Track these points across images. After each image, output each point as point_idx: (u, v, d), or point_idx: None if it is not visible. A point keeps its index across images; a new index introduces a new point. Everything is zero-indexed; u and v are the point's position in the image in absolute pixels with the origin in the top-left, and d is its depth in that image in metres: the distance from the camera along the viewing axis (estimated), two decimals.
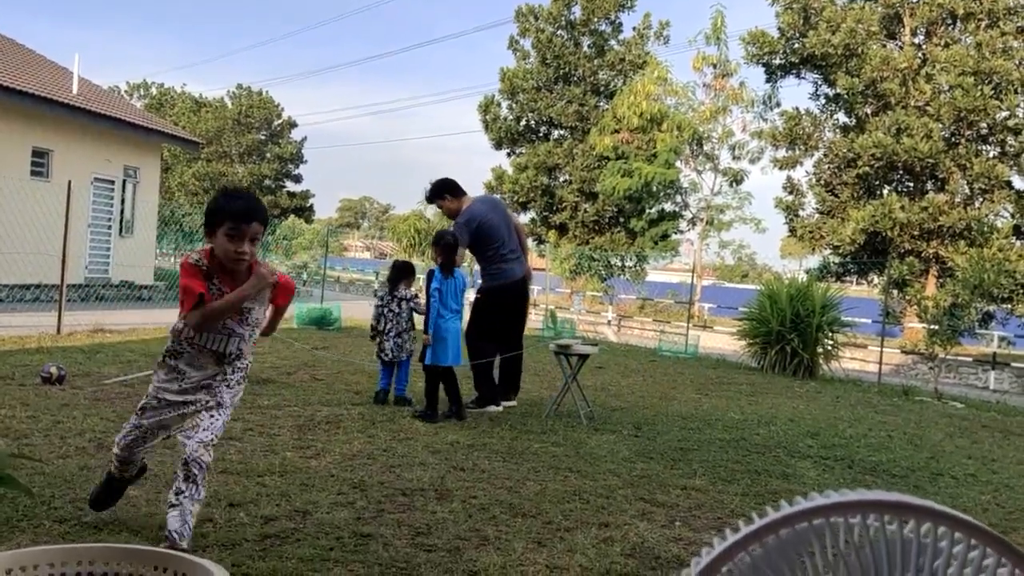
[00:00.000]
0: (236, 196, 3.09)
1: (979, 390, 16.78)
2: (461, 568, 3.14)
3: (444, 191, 6.94)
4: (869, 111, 26.01)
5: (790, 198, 28.07)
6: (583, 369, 7.03)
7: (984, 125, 24.11)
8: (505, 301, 6.97)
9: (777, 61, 27.74)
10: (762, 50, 27.40)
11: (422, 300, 6.66)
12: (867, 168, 24.69)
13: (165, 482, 3.94)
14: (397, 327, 6.75)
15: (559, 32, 32.96)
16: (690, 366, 12.60)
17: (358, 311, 16.19)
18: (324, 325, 13.58)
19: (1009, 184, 24.44)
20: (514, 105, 34.07)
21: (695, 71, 30.48)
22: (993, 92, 23.04)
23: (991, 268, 14.10)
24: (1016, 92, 23.15)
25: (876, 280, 27.28)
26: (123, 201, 17.79)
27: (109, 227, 17.43)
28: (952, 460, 6.32)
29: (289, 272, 36.17)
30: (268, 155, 49.03)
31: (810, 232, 26.70)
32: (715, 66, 29.80)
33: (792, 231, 28.11)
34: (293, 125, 50.49)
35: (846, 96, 25.92)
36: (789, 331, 12.43)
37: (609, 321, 26.43)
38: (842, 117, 27.72)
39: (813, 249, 27.68)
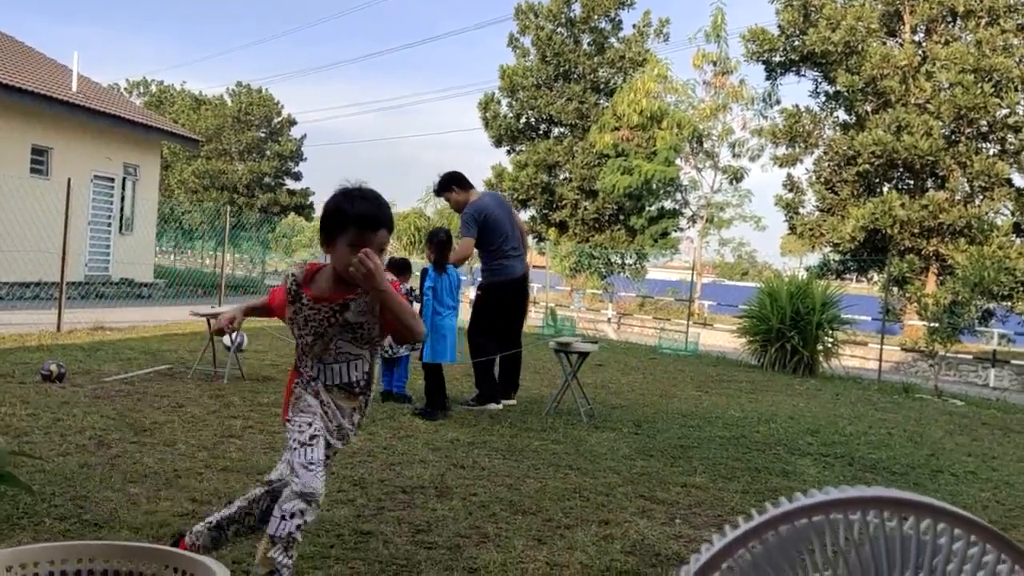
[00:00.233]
0: (360, 197, 2.53)
1: (979, 388, 16.78)
2: (461, 565, 3.14)
3: (452, 183, 7.01)
4: (869, 109, 25.99)
5: (790, 196, 28.05)
6: (583, 367, 7.04)
7: (984, 123, 24.09)
8: (505, 297, 6.98)
9: (777, 58, 27.70)
10: (762, 47, 27.37)
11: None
12: (867, 166, 24.67)
13: (165, 480, 3.94)
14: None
15: (559, 29, 32.91)
16: (690, 364, 12.60)
17: None
18: None
19: (1009, 182, 24.42)
20: (514, 102, 34.03)
21: (695, 68, 30.46)
22: (993, 90, 23.01)
23: (991, 266, 14.11)
24: (1016, 90, 23.13)
25: (876, 278, 27.27)
26: (123, 199, 17.79)
27: (109, 225, 17.42)
28: (952, 457, 6.32)
29: (289, 270, 36.17)
30: (268, 153, 48.97)
31: (810, 230, 26.69)
32: (715, 63, 29.78)
33: (792, 229, 28.10)
34: (293, 123, 50.42)
35: (846, 93, 25.90)
36: (789, 329, 12.43)
37: (609, 319, 26.43)
38: (842, 115, 27.70)
39: (813, 247, 27.67)
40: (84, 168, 15.99)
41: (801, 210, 27.88)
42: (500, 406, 6.73)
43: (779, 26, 27.13)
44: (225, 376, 7.06)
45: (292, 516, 2.41)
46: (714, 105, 30.08)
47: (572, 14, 32.75)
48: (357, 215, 2.46)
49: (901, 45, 25.50)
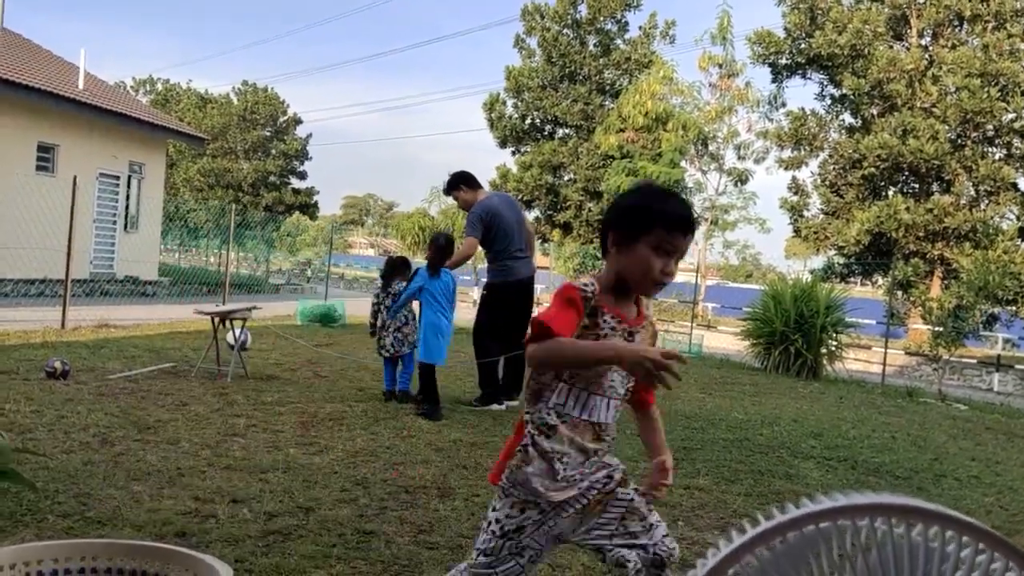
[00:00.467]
0: (669, 195, 2.19)
1: (983, 392, 16.74)
2: None
3: (461, 182, 7.05)
4: (875, 112, 25.96)
5: (795, 198, 28.03)
6: None
7: (990, 127, 24.06)
8: (509, 298, 6.98)
9: (783, 61, 27.70)
10: (768, 50, 27.36)
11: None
12: (872, 169, 24.64)
13: (168, 477, 3.95)
14: (397, 321, 6.77)
15: (565, 31, 32.91)
16: (694, 366, 12.59)
17: (362, 308, 16.19)
18: (328, 322, 13.60)
19: (1015, 186, 24.38)
20: (519, 103, 34.04)
21: (701, 71, 30.39)
22: (1000, 94, 22.98)
23: (996, 270, 14.09)
24: (1023, 94, 23.08)
25: (881, 281, 27.23)
26: (128, 197, 17.82)
27: (114, 222, 17.45)
28: (955, 462, 6.30)
29: (293, 269, 36.28)
30: (273, 152, 49.02)
31: (815, 233, 26.67)
32: (721, 66, 29.73)
33: (797, 231, 28.08)
34: (298, 122, 50.49)
35: (852, 97, 25.88)
36: (793, 332, 12.41)
37: None
38: (848, 118, 27.68)
39: (818, 250, 27.65)
40: (90, 166, 16.02)
41: (806, 213, 27.86)
42: (503, 407, 6.73)
43: (785, 29, 27.12)
44: (229, 374, 7.06)
45: None
46: (720, 107, 30.04)
47: (578, 15, 32.75)
48: (671, 215, 2.07)
49: (908, 49, 25.47)
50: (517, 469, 2.03)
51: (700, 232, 31.81)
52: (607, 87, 33.46)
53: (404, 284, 6.85)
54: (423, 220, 33.83)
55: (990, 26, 24.07)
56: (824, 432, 7.08)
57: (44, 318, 10.29)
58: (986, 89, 22.84)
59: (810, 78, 28.01)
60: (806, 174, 28.05)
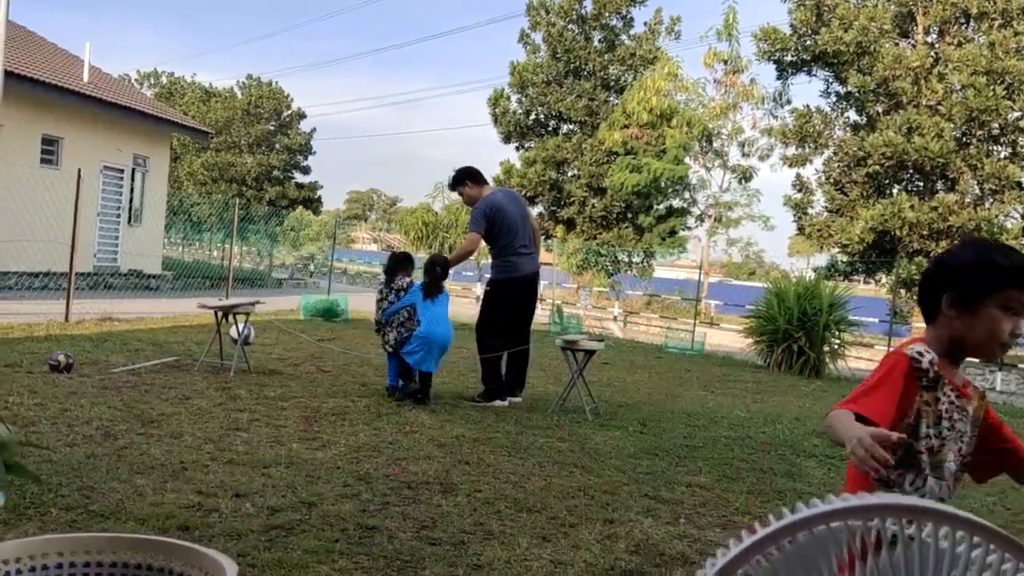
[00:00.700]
0: (1009, 248, 1.96)
1: (986, 391, 16.70)
2: (465, 562, 3.14)
3: (466, 178, 7.06)
4: (880, 110, 25.89)
5: (799, 196, 27.96)
6: (589, 365, 7.03)
7: (996, 125, 23.97)
8: (511, 294, 6.98)
9: (789, 58, 27.61)
10: (774, 47, 27.28)
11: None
12: (877, 167, 24.57)
13: (172, 471, 3.95)
14: (399, 316, 6.77)
15: (570, 26, 32.85)
16: (696, 363, 12.58)
17: (364, 303, 16.21)
18: (331, 317, 13.61)
19: (1020, 185, 24.30)
20: (523, 99, 33.99)
21: (706, 67, 30.38)
22: (1006, 92, 22.90)
23: None
24: None
25: (884, 279, 27.18)
26: (132, 190, 17.83)
27: (118, 216, 17.47)
28: None
29: (296, 263, 36.30)
30: (277, 146, 49.03)
31: (818, 230, 26.61)
32: (726, 62, 29.70)
33: (800, 229, 28.01)
34: (302, 116, 50.48)
35: (857, 94, 25.80)
36: (796, 329, 12.39)
37: (615, 317, 26.40)
38: (853, 115, 27.59)
39: (821, 247, 27.58)
40: (94, 159, 16.03)
41: (810, 210, 27.80)
42: (506, 403, 6.73)
43: (791, 25, 27.03)
44: (232, 369, 7.07)
45: None
46: (724, 104, 30.01)
47: (583, 11, 32.68)
48: (1021, 271, 1.82)
49: (914, 46, 25.39)
50: None
51: (703, 229, 31.80)
52: (612, 83, 33.41)
53: (407, 280, 6.85)
54: (427, 215, 33.85)
55: (997, 24, 23.97)
56: None
57: (48, 311, 10.31)
58: (992, 87, 22.76)
59: (815, 75, 27.92)
60: (810, 171, 27.98)
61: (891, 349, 2.02)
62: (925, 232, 24.05)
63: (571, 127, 33.74)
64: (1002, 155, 24.57)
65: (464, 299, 25.85)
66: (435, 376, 6.81)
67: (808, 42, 26.66)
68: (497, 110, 34.27)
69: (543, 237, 32.75)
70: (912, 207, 23.82)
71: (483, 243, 7.18)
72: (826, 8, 26.00)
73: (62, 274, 11.77)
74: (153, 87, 52.47)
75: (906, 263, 22.86)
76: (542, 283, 11.23)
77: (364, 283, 32.95)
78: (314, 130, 51.77)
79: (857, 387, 1.80)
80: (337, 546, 3.17)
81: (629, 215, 31.69)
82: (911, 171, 25.15)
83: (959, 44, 24.55)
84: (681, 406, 7.72)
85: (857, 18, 24.83)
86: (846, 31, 24.89)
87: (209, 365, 7.28)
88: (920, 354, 1.82)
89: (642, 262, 31.37)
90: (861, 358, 17.01)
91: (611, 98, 33.02)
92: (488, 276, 7.42)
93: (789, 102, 28.83)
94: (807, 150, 27.42)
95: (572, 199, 32.43)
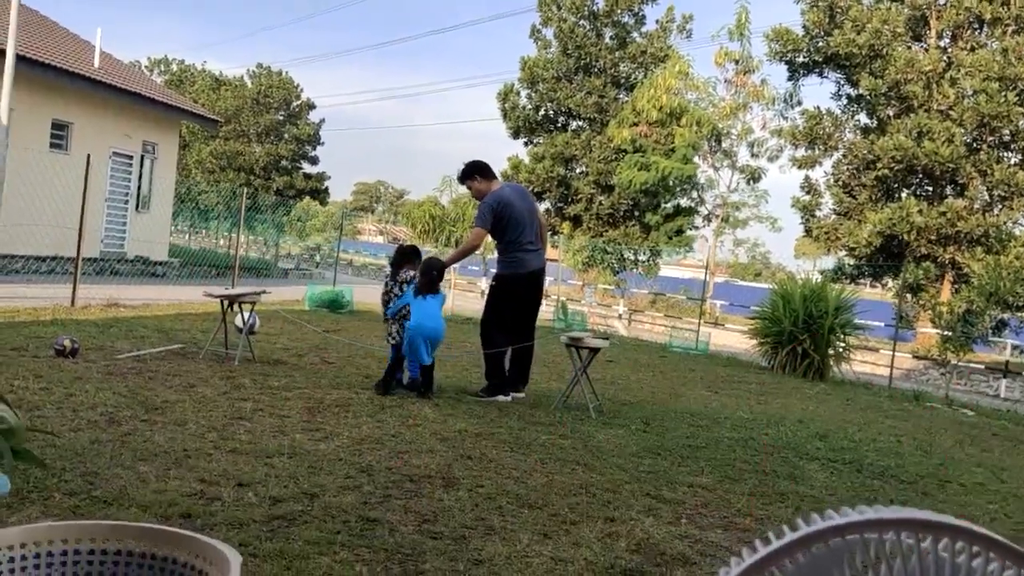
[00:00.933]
0: None
1: (990, 398, 16.67)
2: (466, 557, 3.15)
3: (475, 172, 7.05)
4: (891, 113, 25.81)
5: (807, 198, 27.91)
6: (593, 362, 7.03)
7: (1007, 132, 23.88)
8: (517, 290, 6.98)
9: (800, 59, 27.53)
10: (786, 47, 27.20)
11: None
12: (886, 170, 24.51)
13: (175, 459, 3.96)
14: (404, 311, 6.78)
15: (581, 22, 32.79)
16: (700, 363, 12.57)
17: (370, 295, 16.23)
18: (336, 308, 13.62)
19: None
20: (533, 94, 33.96)
21: (717, 66, 30.31)
22: (1017, 99, 22.81)
23: (1008, 276, 13.99)
24: None
25: (891, 284, 27.12)
26: (140, 177, 17.86)
27: (126, 202, 17.51)
28: (961, 468, 6.28)
29: (302, 254, 36.34)
30: (286, 136, 49.06)
31: (826, 233, 26.56)
32: (737, 62, 29.61)
33: (808, 231, 27.97)
34: (311, 107, 50.50)
35: (868, 97, 25.72)
36: (801, 332, 12.38)
37: (620, 315, 26.39)
38: (863, 118, 27.52)
39: (828, 250, 27.54)
40: (103, 145, 16.06)
41: (818, 213, 27.75)
42: (509, 398, 6.73)
43: (804, 26, 26.96)
44: (237, 358, 7.09)
45: None
46: (734, 104, 29.93)
47: (595, 7, 32.62)
48: None
49: (926, 50, 25.28)
50: None
51: (710, 229, 31.74)
52: (622, 80, 33.35)
53: (412, 273, 6.86)
54: (434, 209, 33.80)
55: (1010, 30, 23.87)
56: (830, 434, 7.07)
57: (54, 295, 10.34)
58: (1004, 93, 22.67)
59: (827, 77, 27.86)
60: (819, 174, 27.92)
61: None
62: (933, 237, 23.99)
63: (580, 124, 33.70)
64: (1012, 161, 24.49)
65: (470, 294, 25.85)
66: (438, 370, 6.82)
67: (820, 44, 26.58)
68: (506, 105, 34.24)
69: (550, 233, 32.79)
70: (920, 212, 23.75)
71: (490, 238, 7.18)
72: (839, 10, 25.91)
73: (69, 259, 11.80)
74: (163, 74, 52.53)
75: (913, 268, 22.80)
76: (547, 279, 11.24)
77: (370, 275, 32.98)
78: (323, 121, 51.83)
79: None
80: (338, 537, 3.18)
81: (636, 213, 31.66)
82: (920, 175, 25.07)
83: (972, 49, 24.44)
84: (684, 406, 7.72)
85: (870, 21, 24.73)
86: (859, 33, 24.81)
87: (214, 353, 7.29)
88: None
89: (648, 260, 31.35)
90: (866, 362, 16.98)
91: (621, 95, 32.97)
92: (494, 271, 7.42)
93: (800, 103, 28.80)
94: (816, 152, 27.36)
95: (580, 196, 32.41)
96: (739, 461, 5.45)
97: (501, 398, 6.68)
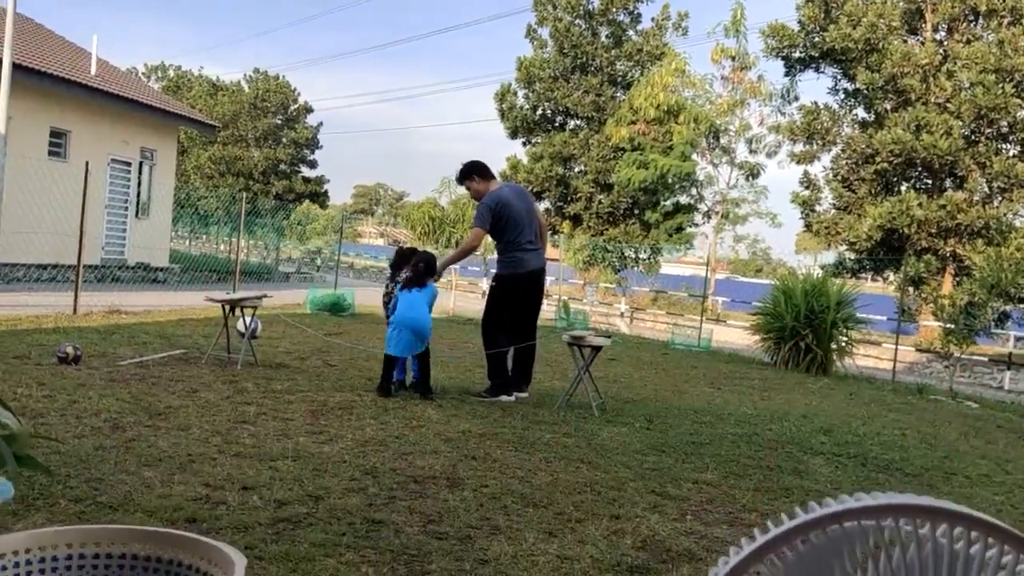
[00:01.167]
0: None
1: (994, 390, 16.67)
2: (472, 557, 3.14)
3: (473, 172, 7.04)
4: (889, 107, 25.79)
5: (806, 193, 27.90)
6: (595, 361, 7.02)
7: (1005, 123, 23.87)
8: (517, 290, 6.97)
9: (797, 54, 27.53)
10: (782, 43, 27.20)
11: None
12: (885, 164, 24.50)
13: (179, 464, 3.96)
14: None
15: (577, 21, 32.79)
16: (703, 360, 12.56)
17: (371, 297, 16.22)
18: (337, 311, 13.62)
19: None
20: (530, 94, 33.95)
21: (713, 63, 30.30)
22: (1014, 90, 22.80)
23: (1009, 267, 13.98)
24: None
25: (892, 277, 27.11)
26: (139, 183, 17.87)
27: (125, 209, 17.51)
28: (966, 460, 6.28)
29: (303, 257, 36.33)
30: (284, 140, 49.08)
31: (826, 228, 26.55)
32: (734, 59, 29.61)
33: (808, 226, 27.96)
34: (309, 110, 50.51)
35: (866, 91, 25.71)
36: (803, 327, 12.37)
37: (622, 313, 26.38)
38: (861, 112, 27.51)
39: (829, 245, 27.53)
40: (101, 152, 16.07)
41: (817, 207, 27.74)
42: (512, 398, 6.73)
43: (799, 22, 26.95)
44: (239, 362, 7.08)
45: None
46: (732, 100, 29.92)
47: (591, 6, 32.61)
48: None
49: (922, 43, 25.28)
50: None
51: (710, 225, 31.73)
52: (619, 79, 33.34)
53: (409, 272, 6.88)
54: (433, 210, 33.80)
55: (1006, 21, 23.86)
56: (833, 428, 7.06)
57: (56, 303, 10.34)
58: (1001, 85, 22.66)
59: (824, 72, 27.84)
60: (818, 169, 28.00)
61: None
62: (933, 230, 23.98)
63: (578, 123, 33.69)
64: (1011, 153, 24.48)
65: (471, 294, 25.85)
66: (442, 371, 6.82)
67: (816, 39, 26.57)
68: (504, 105, 34.23)
69: (550, 233, 32.79)
70: (920, 205, 23.74)
71: (489, 238, 7.17)
72: (835, 5, 25.90)
73: (70, 266, 11.80)
74: (160, 80, 52.54)
75: (914, 261, 22.79)
76: (548, 279, 11.23)
77: (371, 277, 32.97)
78: (321, 124, 51.84)
79: None
80: (344, 539, 3.17)
81: (636, 211, 31.65)
82: (919, 169, 25.07)
83: (968, 41, 24.44)
84: (688, 403, 7.71)
85: (866, 15, 24.73)
86: (855, 28, 24.80)
87: (216, 358, 7.29)
88: None
89: (649, 258, 31.34)
90: (869, 356, 16.97)
91: (618, 94, 32.96)
92: (494, 271, 7.41)
93: (797, 99, 28.79)
94: (815, 147, 27.35)
95: (579, 195, 32.40)
96: (743, 457, 5.44)
97: (504, 398, 6.68)
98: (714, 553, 3.46)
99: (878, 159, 24.48)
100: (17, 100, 14.25)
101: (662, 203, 30.91)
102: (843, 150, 26.62)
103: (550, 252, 31.13)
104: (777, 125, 28.68)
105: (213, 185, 44.15)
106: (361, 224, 75.34)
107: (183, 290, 15.46)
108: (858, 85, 25.83)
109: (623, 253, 30.96)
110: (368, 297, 15.39)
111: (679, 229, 31.17)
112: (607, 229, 31.98)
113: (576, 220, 32.90)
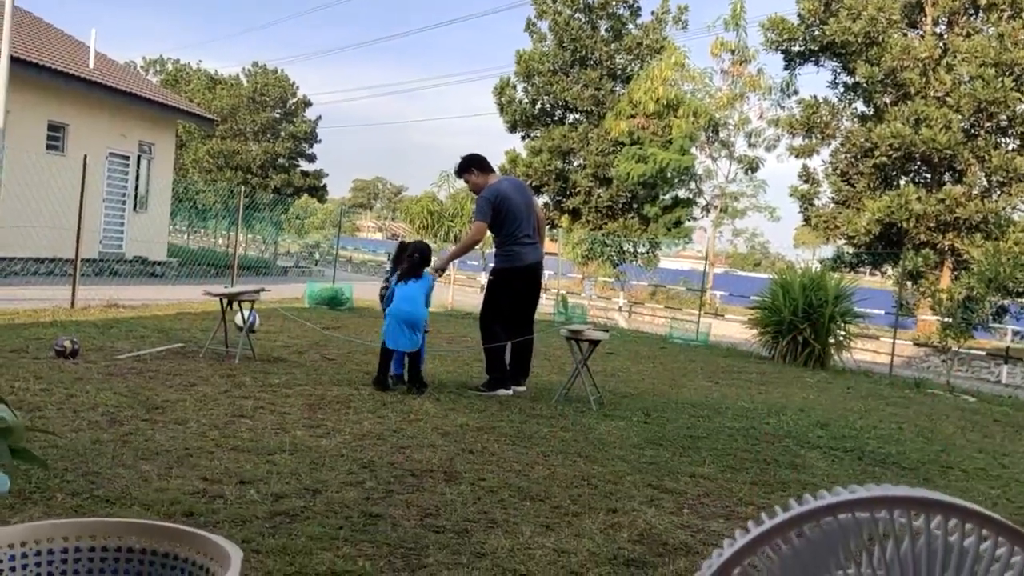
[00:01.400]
0: None
1: (991, 384, 16.69)
2: (469, 550, 3.15)
3: (472, 165, 7.03)
4: (888, 101, 25.77)
5: (805, 187, 27.89)
6: (593, 355, 7.03)
7: (1004, 117, 23.86)
8: (514, 284, 6.97)
9: (796, 48, 27.50)
10: (781, 36, 27.16)
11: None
12: (884, 158, 24.49)
13: (176, 457, 3.97)
14: None
15: (577, 15, 32.74)
16: (701, 354, 12.57)
17: (369, 291, 16.22)
18: (335, 305, 13.62)
19: None
20: (530, 88, 33.92)
21: (713, 57, 30.28)
22: (1014, 84, 22.78)
23: (1007, 262, 13.98)
24: None
25: (890, 271, 27.12)
26: (138, 177, 17.84)
27: (123, 202, 17.49)
28: (962, 454, 6.29)
29: (301, 251, 36.31)
30: (282, 133, 49.02)
31: (825, 222, 26.55)
32: (733, 52, 29.59)
33: (807, 220, 27.96)
34: (308, 104, 50.46)
35: (865, 85, 25.69)
36: (801, 321, 12.37)
37: (620, 307, 26.39)
38: (860, 106, 27.49)
39: (827, 239, 27.53)
40: (99, 145, 16.04)
41: (816, 201, 27.74)
42: (510, 392, 6.73)
43: (799, 15, 26.91)
44: (237, 356, 7.09)
45: None
46: (731, 94, 29.90)
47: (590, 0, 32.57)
48: None
49: (922, 37, 25.24)
50: None
51: (709, 219, 31.73)
52: (618, 72, 33.31)
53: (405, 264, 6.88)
54: (432, 204, 33.79)
55: (1006, 15, 23.83)
56: (831, 422, 7.07)
57: (54, 297, 10.33)
58: (1000, 79, 22.65)
59: (823, 65, 27.81)
60: (817, 162, 27.91)
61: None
62: (932, 224, 23.98)
63: (577, 116, 33.67)
64: (1010, 147, 24.47)
65: (469, 288, 25.85)
66: (439, 365, 6.82)
67: (816, 32, 26.54)
68: (503, 99, 34.20)
69: (548, 227, 32.77)
70: (919, 199, 23.74)
71: (488, 232, 7.16)
72: None
73: (68, 260, 11.79)
74: (159, 74, 52.46)
75: (912, 255, 22.80)
76: (547, 273, 11.27)
77: (369, 271, 32.98)
78: (319, 118, 51.75)
79: None
80: (341, 533, 3.18)
81: (635, 205, 31.65)
82: (918, 163, 25.06)
83: (968, 35, 24.40)
84: (685, 396, 7.72)
85: (866, 8, 24.69)
86: (854, 21, 24.77)
87: (214, 352, 7.29)
88: None
89: (647, 252, 31.33)
90: (867, 350, 16.99)
91: (617, 88, 32.93)
92: (492, 265, 7.41)
93: (796, 92, 28.78)
94: (814, 141, 27.34)
95: (578, 189, 32.40)
96: (740, 451, 5.45)
97: (502, 392, 6.68)
98: (710, 546, 3.47)
99: (877, 153, 24.47)
100: (15, 93, 14.22)
101: (661, 197, 30.91)
102: (842, 144, 26.60)
103: (548, 246, 31.16)
104: (776, 119, 28.66)
105: (211, 179, 44.12)
106: (359, 218, 75.31)
107: (181, 284, 15.46)
108: (858, 79, 25.82)
109: (622, 247, 30.95)
110: (366, 291, 15.39)
111: (678, 223, 31.17)
112: (606, 223, 31.98)
113: (575, 214, 32.90)
